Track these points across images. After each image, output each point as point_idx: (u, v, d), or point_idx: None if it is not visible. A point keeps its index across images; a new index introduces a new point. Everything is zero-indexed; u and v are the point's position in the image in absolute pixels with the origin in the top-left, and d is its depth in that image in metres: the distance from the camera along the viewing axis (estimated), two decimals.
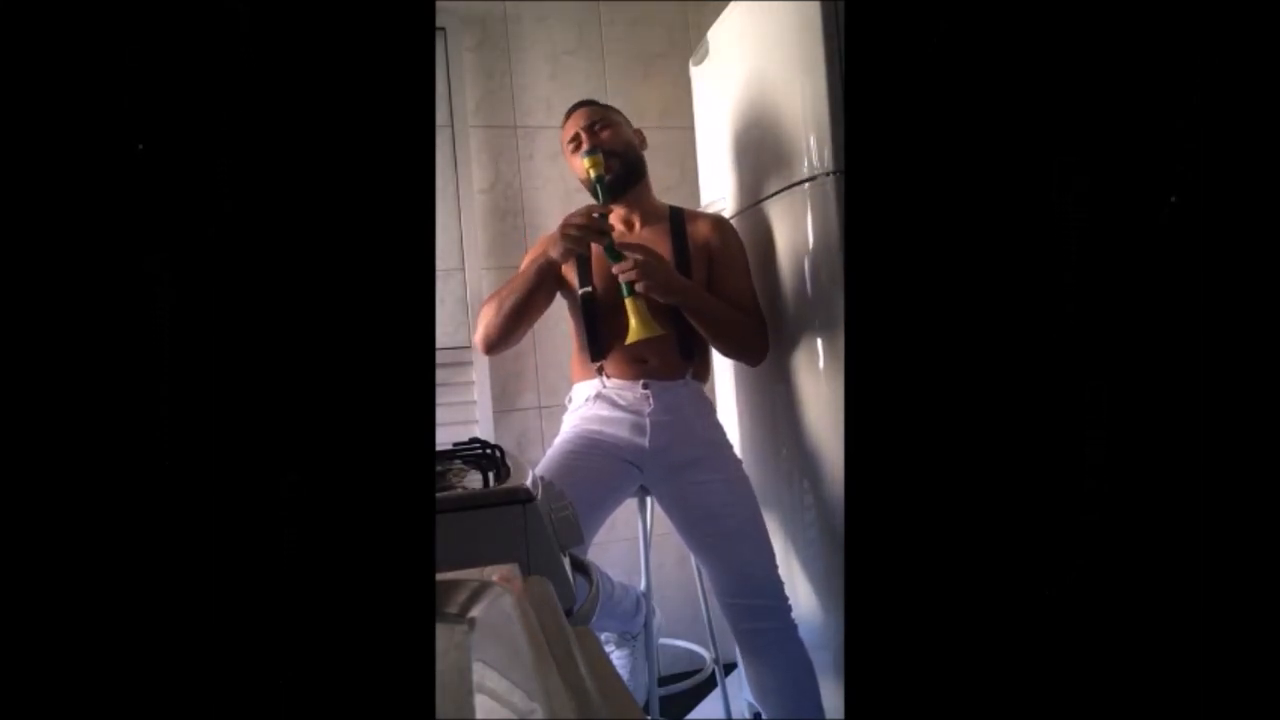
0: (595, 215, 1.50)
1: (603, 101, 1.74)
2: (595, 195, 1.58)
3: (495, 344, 1.63)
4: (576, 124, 1.64)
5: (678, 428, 1.57)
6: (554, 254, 1.54)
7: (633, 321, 1.48)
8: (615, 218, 1.66)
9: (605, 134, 1.62)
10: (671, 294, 1.51)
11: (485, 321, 1.62)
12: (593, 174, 1.55)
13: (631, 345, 1.52)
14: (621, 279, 1.47)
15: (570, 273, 1.62)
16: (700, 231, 1.64)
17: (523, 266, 1.63)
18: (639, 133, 1.71)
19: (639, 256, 1.47)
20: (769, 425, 1.76)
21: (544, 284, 1.59)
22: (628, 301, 1.48)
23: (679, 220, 1.66)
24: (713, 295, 1.59)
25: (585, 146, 1.60)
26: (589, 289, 1.60)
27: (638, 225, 1.66)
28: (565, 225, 1.50)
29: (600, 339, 1.60)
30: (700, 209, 2.00)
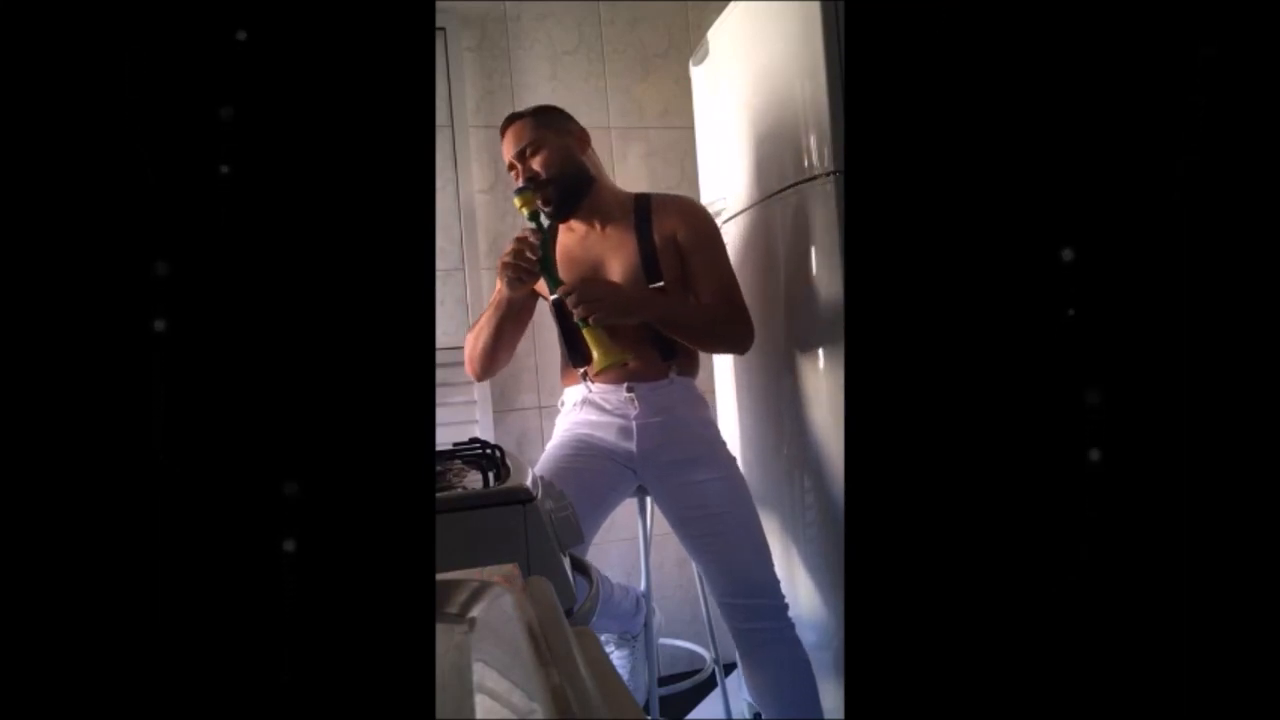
0: (526, 250, 1.45)
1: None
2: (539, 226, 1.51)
3: (481, 373, 1.66)
4: (507, 151, 1.57)
5: (668, 428, 1.55)
6: (506, 291, 1.51)
7: (594, 353, 1.44)
8: (577, 226, 1.61)
9: (535, 160, 1.53)
10: (628, 315, 1.47)
11: (468, 354, 1.64)
12: (525, 212, 1.49)
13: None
14: (575, 316, 1.42)
15: (542, 284, 1.57)
16: (667, 226, 1.57)
17: (494, 294, 1.60)
18: (580, 133, 1.61)
19: (580, 289, 1.42)
20: (769, 424, 1.76)
21: (510, 313, 1.56)
22: (586, 332, 1.44)
23: (644, 214, 1.59)
24: (680, 293, 1.55)
25: (517, 184, 1.54)
26: (557, 298, 1.55)
27: (600, 228, 1.60)
28: (501, 262, 1.47)
29: (578, 345, 1.55)
30: None
